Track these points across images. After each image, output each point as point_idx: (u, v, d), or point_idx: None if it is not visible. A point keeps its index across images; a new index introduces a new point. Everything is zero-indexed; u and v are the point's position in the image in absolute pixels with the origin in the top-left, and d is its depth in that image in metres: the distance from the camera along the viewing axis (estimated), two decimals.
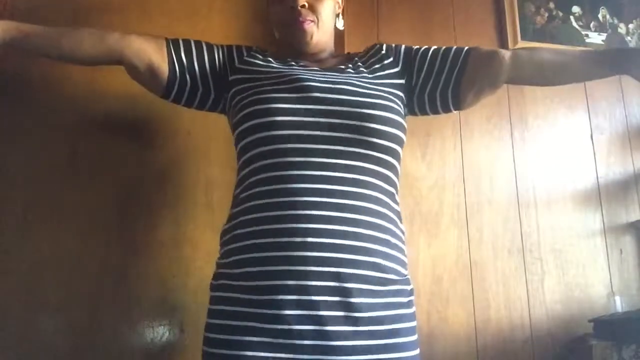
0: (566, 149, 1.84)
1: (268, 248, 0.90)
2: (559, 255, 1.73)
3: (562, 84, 1.23)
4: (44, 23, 1.43)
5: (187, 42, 1.12)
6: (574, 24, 1.96)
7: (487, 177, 1.73)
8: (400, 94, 1.09)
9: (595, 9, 2.01)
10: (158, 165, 1.43)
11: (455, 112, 1.18)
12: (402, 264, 1.00)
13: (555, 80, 1.18)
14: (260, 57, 1.12)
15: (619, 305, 1.69)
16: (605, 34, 1.99)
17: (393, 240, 0.98)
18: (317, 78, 1.01)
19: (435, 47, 1.17)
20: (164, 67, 1.09)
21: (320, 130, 0.94)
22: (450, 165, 1.71)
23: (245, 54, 1.13)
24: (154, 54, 1.08)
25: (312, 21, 1.08)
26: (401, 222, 1.04)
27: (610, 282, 1.75)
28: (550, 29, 1.92)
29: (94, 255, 1.33)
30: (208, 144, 1.47)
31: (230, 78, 1.10)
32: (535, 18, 1.91)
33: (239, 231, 0.96)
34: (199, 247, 1.39)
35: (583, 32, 1.96)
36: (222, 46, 1.14)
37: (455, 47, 1.16)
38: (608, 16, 2.01)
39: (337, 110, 0.96)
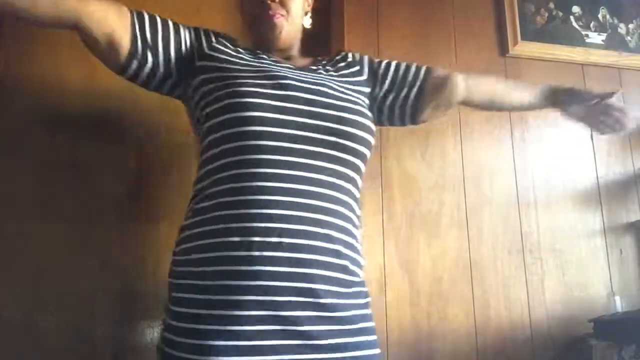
0: (566, 149, 1.84)
1: (238, 247, 0.86)
2: (559, 255, 1.73)
3: (506, 111, 1.47)
4: None
5: (152, 18, 1.05)
6: (574, 24, 1.96)
7: (487, 177, 1.73)
8: (367, 101, 1.11)
9: (595, 9, 2.01)
10: (158, 165, 1.43)
11: (410, 125, 1.22)
12: (362, 267, 1.01)
13: (501, 108, 1.31)
14: (230, 45, 1.08)
15: (619, 305, 1.69)
16: (605, 34, 1.99)
17: (357, 244, 0.99)
18: (295, 77, 1.00)
19: (397, 61, 1.20)
20: (125, 42, 1.00)
21: (297, 130, 0.93)
22: (450, 165, 1.71)
23: (214, 39, 1.08)
24: (116, 26, 1.00)
25: (282, 15, 1.07)
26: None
27: (610, 282, 1.75)
28: (550, 29, 1.92)
29: (94, 255, 1.33)
30: None
31: (198, 64, 1.04)
32: (535, 18, 1.91)
33: (207, 228, 0.91)
34: None
35: (583, 32, 1.96)
36: (189, 28, 1.09)
37: (415, 64, 1.20)
38: (608, 16, 2.01)
39: (314, 111, 0.95)
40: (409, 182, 1.64)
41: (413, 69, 1.18)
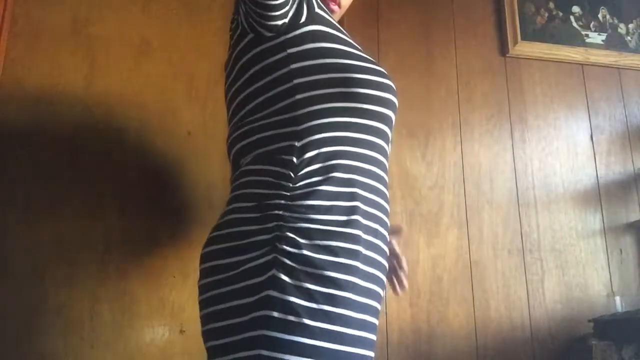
0: (566, 149, 1.84)
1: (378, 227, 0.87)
2: (559, 255, 1.73)
3: None
4: (43, 24, 1.44)
5: None
6: (574, 24, 1.96)
7: (487, 177, 1.73)
8: None
9: (595, 9, 2.01)
10: (158, 166, 1.43)
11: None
12: None
13: None
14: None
15: (619, 305, 1.69)
16: (605, 34, 1.99)
17: None
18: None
19: None
20: None
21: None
22: (450, 165, 1.71)
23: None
24: None
25: (338, 6, 1.05)
26: None
27: (610, 282, 1.75)
28: (550, 29, 1.92)
29: (94, 255, 1.33)
30: (208, 144, 1.47)
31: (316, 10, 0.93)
32: (535, 18, 1.91)
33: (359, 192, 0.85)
34: (198, 247, 1.38)
35: (583, 32, 1.96)
36: None
37: None
38: (608, 16, 2.01)
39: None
40: (409, 182, 1.64)
41: None
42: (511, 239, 1.70)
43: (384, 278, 0.88)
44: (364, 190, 0.85)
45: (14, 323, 1.25)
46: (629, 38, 2.01)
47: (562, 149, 1.84)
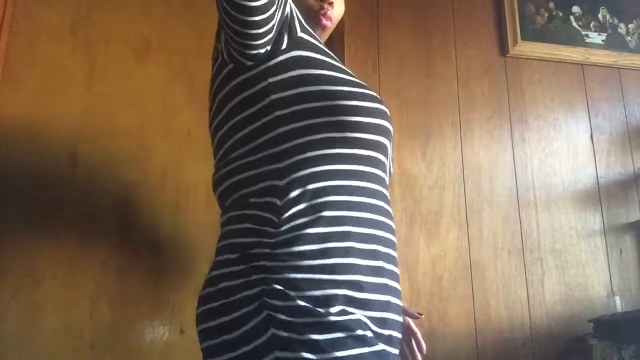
0: (566, 149, 1.84)
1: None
2: (559, 255, 1.73)
3: None
4: (43, 24, 1.44)
5: None
6: (574, 24, 1.96)
7: (487, 177, 1.73)
8: None
9: (595, 9, 2.01)
10: (158, 166, 1.43)
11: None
12: None
13: None
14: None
15: (619, 305, 1.69)
16: (605, 34, 1.99)
17: None
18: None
19: None
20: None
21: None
22: (450, 165, 1.71)
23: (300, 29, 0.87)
24: None
25: (330, 20, 0.97)
26: None
27: (610, 282, 1.75)
28: (550, 29, 1.92)
29: (94, 255, 1.33)
30: (208, 144, 1.46)
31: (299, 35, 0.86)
32: (535, 18, 1.91)
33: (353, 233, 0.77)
34: (198, 247, 1.39)
35: (583, 32, 1.96)
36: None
37: None
38: (608, 16, 2.01)
39: None
40: (409, 182, 1.64)
41: None
42: (511, 239, 1.70)
43: (398, 311, 0.82)
44: (360, 226, 0.77)
45: (14, 323, 1.25)
46: (629, 38, 2.01)
47: (562, 149, 1.84)
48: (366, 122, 0.81)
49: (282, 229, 0.73)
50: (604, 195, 1.83)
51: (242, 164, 0.81)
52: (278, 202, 0.75)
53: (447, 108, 1.75)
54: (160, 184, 1.42)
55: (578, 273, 1.73)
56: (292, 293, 0.69)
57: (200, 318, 0.77)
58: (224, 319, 0.72)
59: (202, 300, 0.78)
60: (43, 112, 1.38)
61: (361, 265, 0.75)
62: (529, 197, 1.75)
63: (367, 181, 0.81)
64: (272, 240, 0.73)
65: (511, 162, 1.77)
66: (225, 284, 0.74)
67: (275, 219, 0.74)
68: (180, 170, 1.44)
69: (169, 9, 1.54)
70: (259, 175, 0.79)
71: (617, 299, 1.70)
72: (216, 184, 0.89)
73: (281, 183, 0.76)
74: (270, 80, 0.80)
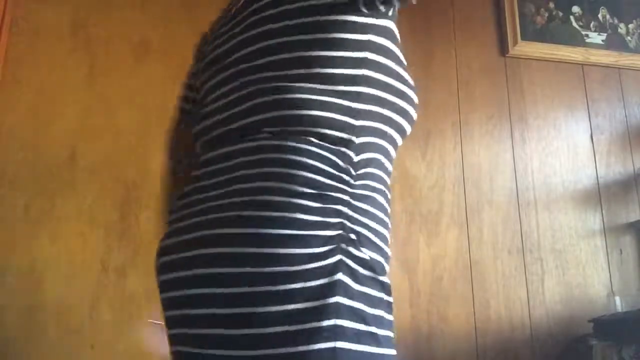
0: (566, 149, 1.84)
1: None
2: (559, 255, 1.73)
3: None
4: (43, 24, 1.44)
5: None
6: (574, 24, 1.96)
7: (487, 177, 1.73)
8: None
9: (595, 9, 2.01)
10: (158, 165, 1.43)
11: None
12: None
13: None
14: None
15: (619, 305, 1.69)
16: (605, 34, 1.99)
17: None
18: None
19: None
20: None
21: None
22: (450, 165, 1.71)
23: None
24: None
25: None
26: None
27: (610, 282, 1.75)
28: (550, 29, 1.92)
29: (94, 255, 1.33)
30: None
31: None
32: (535, 18, 1.91)
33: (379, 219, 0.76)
34: None
35: (583, 32, 1.96)
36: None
37: None
38: (608, 16, 2.01)
39: None
40: (409, 182, 1.64)
41: None
42: (511, 239, 1.70)
43: None
44: (389, 205, 0.80)
45: (14, 323, 1.25)
46: (629, 38, 2.01)
47: (562, 149, 1.84)
48: (405, 108, 0.81)
49: (357, 183, 0.73)
50: (604, 195, 1.83)
51: (314, 100, 0.75)
52: (354, 156, 0.74)
53: (447, 108, 1.75)
54: (160, 183, 1.42)
55: (578, 273, 1.73)
56: (363, 249, 0.70)
57: (247, 240, 0.69)
58: (293, 250, 0.68)
59: (250, 220, 0.69)
60: (43, 112, 1.38)
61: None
62: (529, 197, 1.75)
63: (391, 166, 0.83)
64: (350, 190, 0.72)
65: (511, 162, 1.77)
66: (299, 215, 0.68)
67: (353, 171, 0.73)
68: None
69: (169, 9, 1.54)
70: (335, 121, 0.75)
71: (617, 299, 1.70)
72: (237, 101, 0.78)
73: (356, 141, 0.75)
74: (371, 37, 0.79)
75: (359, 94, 0.77)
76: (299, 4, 0.79)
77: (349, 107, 0.76)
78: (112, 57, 1.47)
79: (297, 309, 0.65)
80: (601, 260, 1.76)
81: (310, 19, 0.78)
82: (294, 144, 0.74)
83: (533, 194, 1.76)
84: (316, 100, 0.75)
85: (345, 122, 0.75)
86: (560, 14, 1.95)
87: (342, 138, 0.75)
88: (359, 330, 0.67)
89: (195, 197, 0.75)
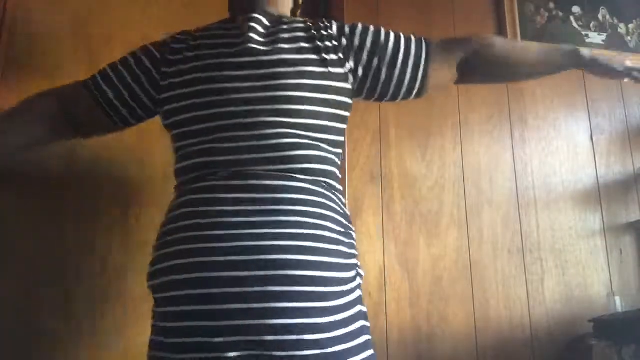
0: (566, 149, 1.85)
1: None
2: (559, 255, 1.73)
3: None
4: (43, 24, 1.44)
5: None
6: (574, 24, 1.96)
7: (487, 177, 1.73)
8: None
9: (595, 9, 2.01)
10: (159, 165, 1.43)
11: None
12: None
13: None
14: None
15: (619, 305, 1.69)
16: (605, 34, 1.99)
17: None
18: None
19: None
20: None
21: None
22: (450, 165, 1.71)
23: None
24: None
25: None
26: None
27: (610, 282, 1.75)
28: (550, 29, 1.92)
29: (94, 255, 1.33)
30: None
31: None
32: (535, 18, 1.91)
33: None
34: None
35: (583, 32, 1.96)
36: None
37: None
38: (608, 16, 2.01)
39: None
40: (409, 182, 1.65)
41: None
42: (511, 239, 1.70)
43: None
44: None
45: (14, 323, 1.25)
46: (629, 38, 2.01)
47: (562, 149, 1.84)
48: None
49: (350, 231, 0.95)
50: (604, 195, 1.83)
51: (331, 152, 0.95)
52: (346, 210, 0.97)
53: (447, 108, 1.75)
54: (162, 184, 1.42)
55: (578, 273, 1.73)
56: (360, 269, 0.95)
57: (318, 266, 0.86)
58: (341, 274, 0.87)
59: (318, 250, 0.85)
60: None
61: None
62: (529, 197, 1.76)
63: None
64: (349, 232, 0.94)
65: (511, 162, 1.77)
66: (341, 248, 0.88)
67: (348, 223, 0.95)
68: None
69: (169, 9, 1.54)
70: (336, 174, 0.97)
71: (617, 299, 1.70)
72: (295, 145, 0.91)
73: (341, 197, 0.98)
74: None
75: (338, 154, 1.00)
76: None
77: (337, 163, 0.98)
78: (113, 57, 1.47)
79: (346, 318, 0.85)
80: (601, 260, 1.77)
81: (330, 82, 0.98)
82: (315, 187, 0.92)
83: (533, 194, 1.76)
84: (328, 151, 0.96)
85: (337, 177, 0.97)
86: (560, 14, 1.95)
87: (339, 189, 0.97)
88: (367, 325, 0.91)
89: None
